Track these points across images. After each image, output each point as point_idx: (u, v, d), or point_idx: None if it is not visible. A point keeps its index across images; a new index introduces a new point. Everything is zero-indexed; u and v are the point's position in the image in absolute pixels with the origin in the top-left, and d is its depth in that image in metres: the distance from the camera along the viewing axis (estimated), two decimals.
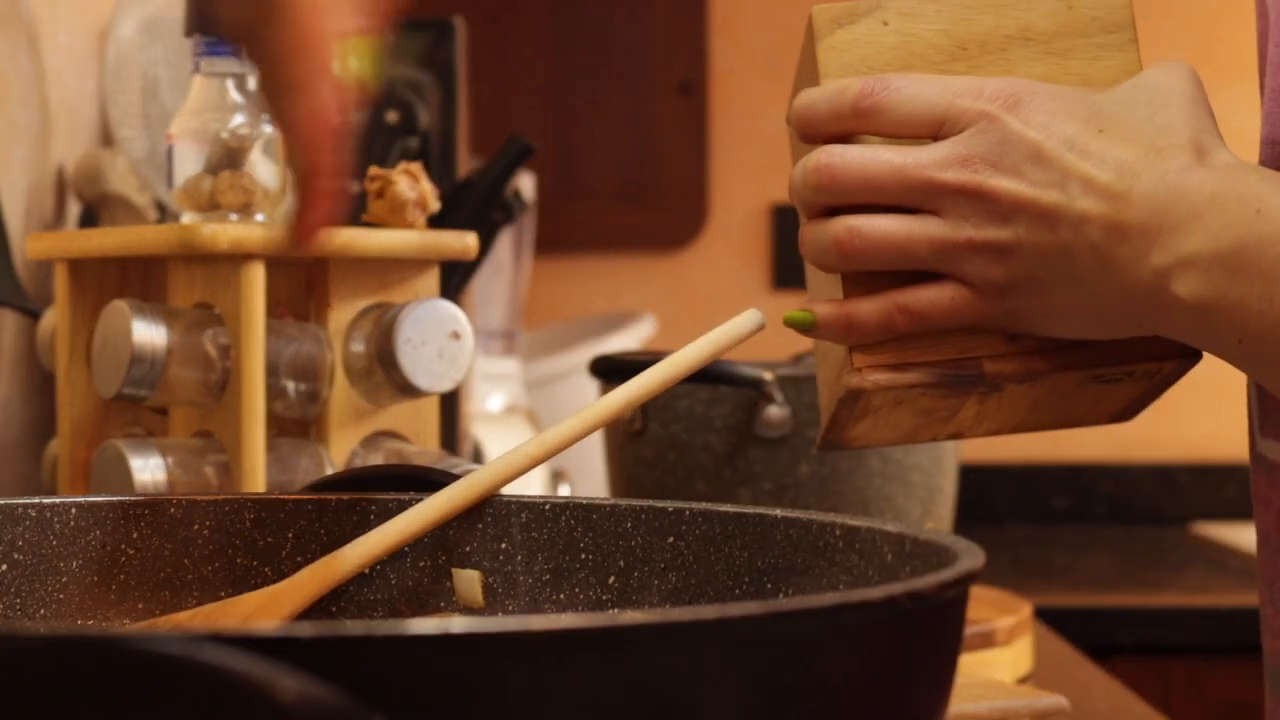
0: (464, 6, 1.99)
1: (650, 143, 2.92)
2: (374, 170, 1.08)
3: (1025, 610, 1.35)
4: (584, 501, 0.77)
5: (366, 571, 0.77)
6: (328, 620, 0.77)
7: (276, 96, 0.74)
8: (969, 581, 0.57)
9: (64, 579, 0.76)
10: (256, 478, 1.01)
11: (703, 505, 0.74)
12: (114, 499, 0.77)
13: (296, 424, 1.07)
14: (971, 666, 1.20)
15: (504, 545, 0.77)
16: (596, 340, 2.32)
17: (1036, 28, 0.81)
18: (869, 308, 0.79)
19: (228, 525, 0.78)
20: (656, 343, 2.37)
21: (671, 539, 0.75)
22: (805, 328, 0.80)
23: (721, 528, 0.73)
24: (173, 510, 0.77)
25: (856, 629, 0.51)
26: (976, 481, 2.63)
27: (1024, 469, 2.90)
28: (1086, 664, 1.49)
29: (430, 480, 0.80)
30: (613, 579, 0.76)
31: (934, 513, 1.33)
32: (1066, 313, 0.77)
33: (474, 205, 1.43)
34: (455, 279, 1.42)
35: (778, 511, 0.72)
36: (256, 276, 1.01)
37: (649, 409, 1.32)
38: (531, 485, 1.66)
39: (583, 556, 0.76)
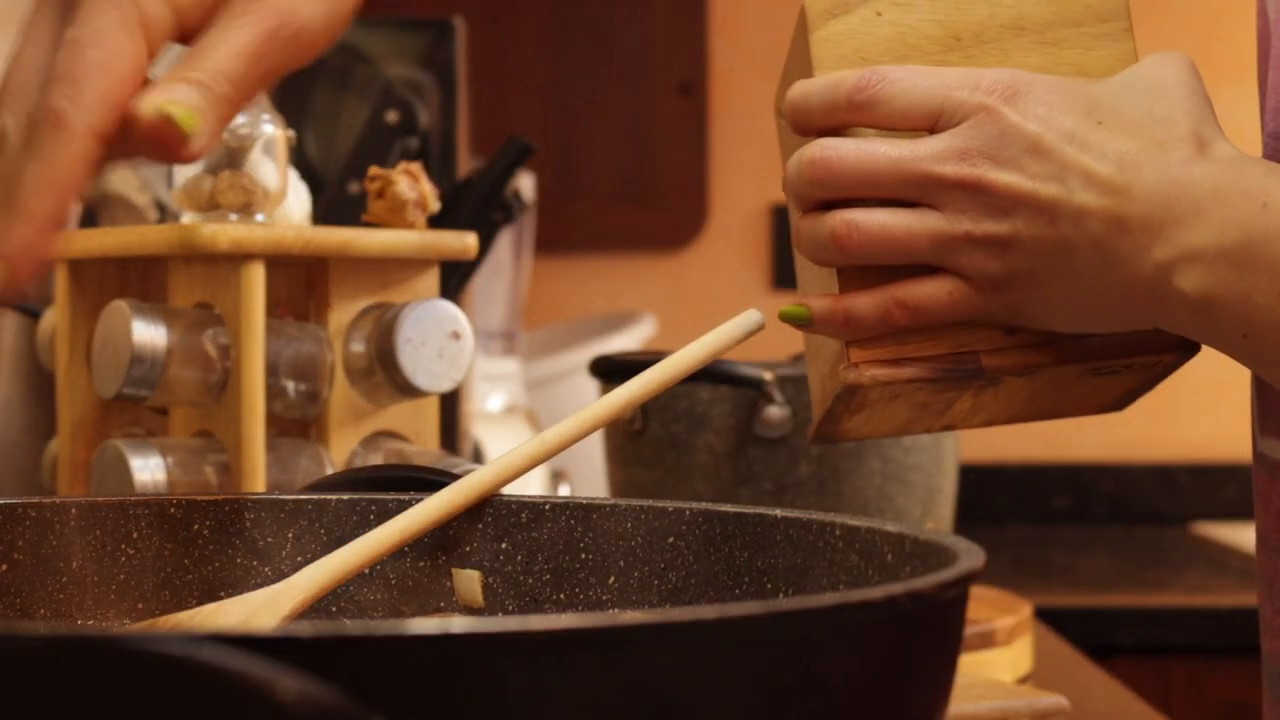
0: (464, 6, 1.99)
1: (650, 143, 2.92)
2: (374, 170, 1.08)
3: (1025, 610, 1.35)
4: (584, 501, 0.77)
5: (366, 571, 0.77)
6: (328, 620, 0.77)
7: (49, 83, 0.62)
8: (969, 581, 0.57)
9: (64, 579, 0.76)
10: (256, 478, 1.01)
11: (703, 505, 0.74)
12: (114, 499, 0.77)
13: (296, 424, 1.07)
14: (971, 666, 1.20)
15: (504, 545, 0.77)
16: (596, 340, 2.32)
17: (1030, 17, 0.80)
18: (866, 302, 0.78)
19: (228, 525, 0.78)
20: (656, 343, 2.37)
21: (671, 539, 0.75)
22: (801, 323, 0.80)
23: (721, 528, 0.73)
24: (173, 510, 0.77)
25: (856, 629, 0.51)
26: (976, 481, 2.63)
27: (1024, 469, 2.90)
28: (1086, 664, 1.49)
29: (430, 480, 0.80)
30: (613, 579, 0.76)
31: (934, 513, 1.33)
32: (1066, 306, 0.77)
33: (474, 205, 1.43)
34: (455, 279, 1.42)
35: (778, 511, 0.72)
36: (256, 276, 1.01)
37: (649, 409, 1.32)
38: (531, 485, 1.66)
39: (583, 556, 0.76)
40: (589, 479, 1.91)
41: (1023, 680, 1.32)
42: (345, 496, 0.79)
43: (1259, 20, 0.85)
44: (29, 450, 1.31)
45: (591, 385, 1.41)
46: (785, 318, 0.80)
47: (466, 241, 1.09)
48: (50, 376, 1.20)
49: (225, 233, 1.01)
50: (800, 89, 0.80)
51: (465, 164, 1.61)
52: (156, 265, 1.08)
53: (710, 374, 1.27)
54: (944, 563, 0.60)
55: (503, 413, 2.02)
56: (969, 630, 1.24)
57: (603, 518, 0.76)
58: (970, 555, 0.59)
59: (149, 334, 1.00)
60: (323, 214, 1.36)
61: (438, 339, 1.04)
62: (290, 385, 1.05)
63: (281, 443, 1.05)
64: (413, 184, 1.08)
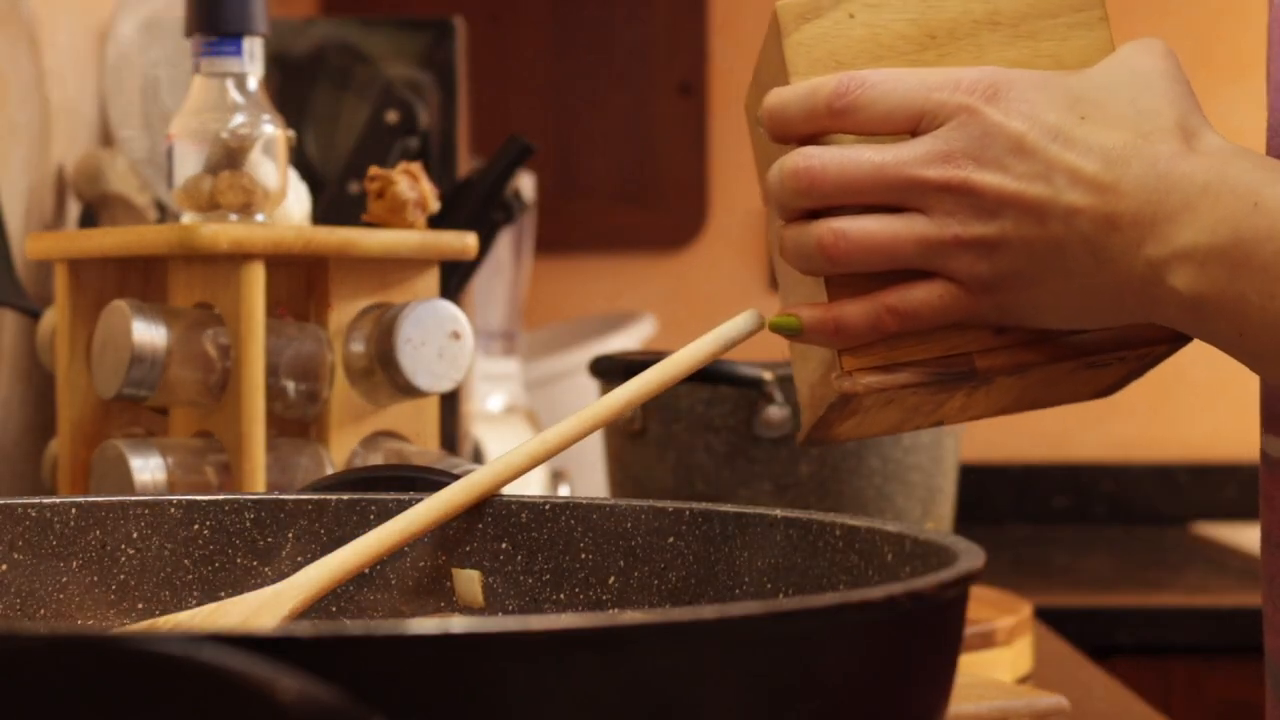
0: (464, 6, 1.99)
1: (650, 143, 2.92)
2: (374, 170, 1.08)
3: (1025, 610, 1.35)
4: (584, 501, 0.77)
5: (366, 571, 0.77)
6: (328, 620, 0.77)
7: None
8: (969, 581, 0.57)
9: (64, 579, 0.76)
10: (256, 478, 1.01)
11: (703, 505, 0.74)
12: (114, 499, 0.77)
13: (296, 424, 1.07)
14: (971, 666, 1.20)
15: (504, 545, 0.77)
16: (596, 340, 2.32)
17: (1004, 10, 0.79)
18: (856, 310, 0.78)
19: (228, 525, 0.78)
20: (656, 343, 2.37)
21: (671, 539, 0.75)
22: (792, 333, 0.79)
23: (721, 528, 0.73)
24: (173, 510, 0.77)
25: (856, 629, 0.51)
26: (976, 481, 2.63)
27: (1024, 469, 2.90)
28: (1086, 664, 1.49)
29: (430, 480, 0.80)
30: (613, 579, 0.76)
31: (934, 513, 1.33)
32: (1057, 305, 0.77)
33: (474, 205, 1.43)
34: (455, 279, 1.42)
35: (778, 511, 0.72)
36: (256, 276, 1.01)
37: (649, 409, 1.32)
38: (531, 485, 1.66)
39: (583, 556, 0.76)
40: (589, 479, 1.91)
41: (1023, 680, 1.32)
42: (345, 496, 0.79)
43: (1271, 12, 0.84)
44: (29, 450, 1.31)
45: (591, 385, 1.41)
46: (776, 328, 0.79)
47: (466, 241, 1.09)
48: (50, 376, 1.20)
49: (225, 233, 1.01)
50: (777, 97, 0.78)
51: (465, 164, 1.61)
52: (156, 265, 1.08)
53: (710, 374, 1.27)
54: (944, 563, 0.60)
55: (503, 413, 2.02)
56: (969, 630, 1.24)
57: (603, 518, 0.76)
58: (970, 555, 0.59)
59: (149, 334, 1.00)
60: (323, 214, 1.36)
61: (438, 339, 1.04)
62: (290, 385, 1.05)
63: (281, 443, 1.05)
64: (413, 184, 1.08)
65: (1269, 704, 0.88)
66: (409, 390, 1.04)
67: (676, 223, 2.93)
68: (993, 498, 2.88)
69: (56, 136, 1.40)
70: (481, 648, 0.45)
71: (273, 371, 1.04)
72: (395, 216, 1.07)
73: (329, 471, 1.05)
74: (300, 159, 1.48)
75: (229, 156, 1.05)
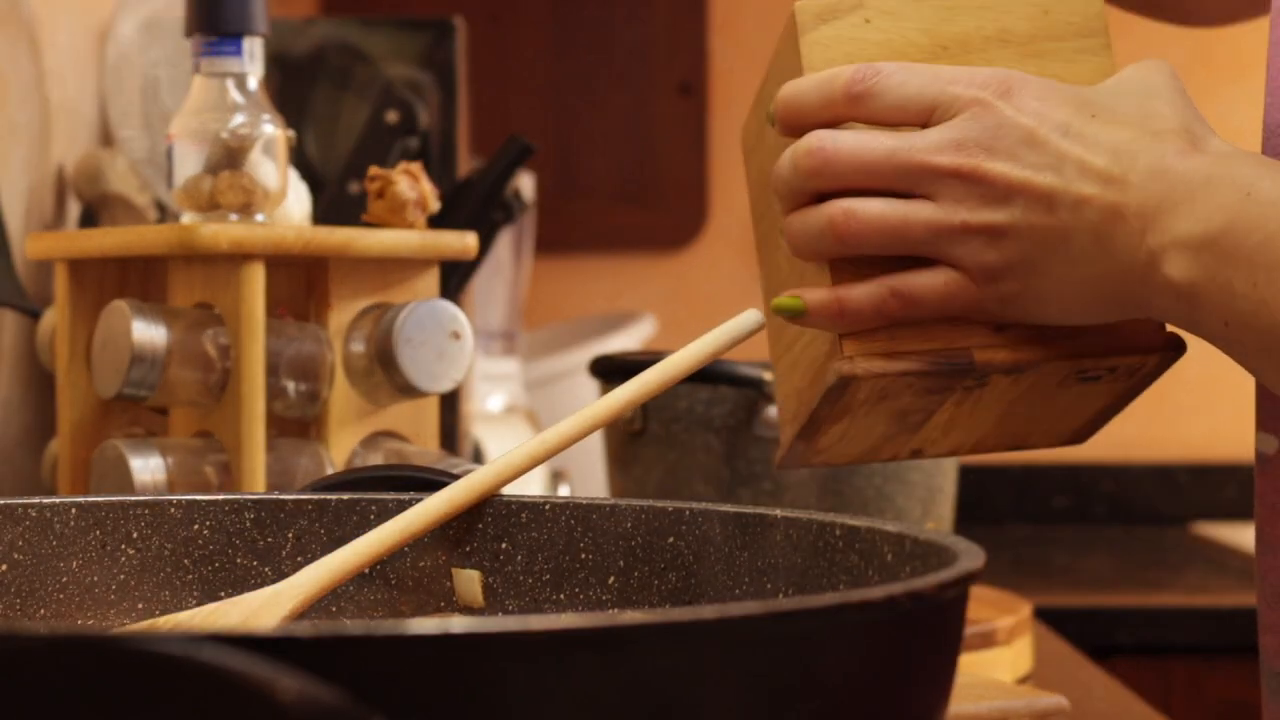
0: (464, 6, 1.99)
1: (650, 143, 2.92)
2: (374, 170, 1.08)
3: (1025, 610, 1.35)
4: (584, 501, 0.77)
5: (366, 571, 0.77)
6: (328, 620, 0.77)
7: None
8: (969, 581, 0.57)
9: (64, 579, 0.76)
10: (256, 478, 1.01)
11: (703, 505, 0.74)
12: (114, 499, 0.77)
13: (296, 424, 1.07)
14: (971, 666, 1.20)
15: (504, 545, 0.77)
16: (596, 340, 2.32)
17: (1014, 30, 0.82)
18: (861, 292, 0.79)
19: (228, 525, 0.78)
20: (656, 343, 2.37)
21: (671, 539, 0.75)
22: (795, 314, 0.80)
23: (721, 528, 0.73)
24: (173, 510, 0.77)
25: (856, 629, 0.51)
26: (976, 481, 2.63)
27: (1024, 469, 2.90)
28: (1086, 664, 1.49)
29: (430, 480, 0.80)
30: (613, 579, 0.76)
31: (934, 513, 1.33)
32: (1059, 295, 0.77)
33: (474, 205, 1.43)
34: (455, 279, 1.42)
35: (778, 511, 0.72)
36: (256, 276, 1.01)
37: (649, 409, 1.32)
38: (531, 485, 1.66)
39: (583, 556, 0.76)
40: (589, 479, 1.91)
41: (1023, 680, 1.32)
42: (345, 496, 0.79)
43: (1271, 13, 0.85)
44: (29, 450, 1.31)
45: (591, 385, 1.41)
46: (779, 310, 0.80)
47: (466, 241, 1.09)
48: (50, 376, 1.20)
49: (225, 233, 1.01)
50: (793, 86, 0.80)
51: (465, 164, 1.61)
52: (156, 265, 1.08)
53: (710, 374, 1.27)
54: (944, 563, 0.60)
55: (503, 413, 2.02)
56: (969, 630, 1.24)
57: (603, 518, 0.76)
58: (970, 555, 0.59)
59: (149, 334, 1.00)
60: (323, 214, 1.36)
61: (438, 339, 1.04)
62: (290, 385, 1.05)
63: (281, 443, 1.05)
64: (413, 184, 1.08)
65: (1265, 701, 0.88)
66: (409, 390, 1.04)
67: (676, 223, 2.93)
68: (993, 498, 2.88)
69: (56, 136, 1.40)
70: (481, 648, 0.45)
71: (273, 371, 1.04)
72: (395, 216, 1.07)
73: (329, 471, 1.05)
74: (300, 159, 1.48)
75: (229, 156, 1.05)
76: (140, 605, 0.77)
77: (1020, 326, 0.80)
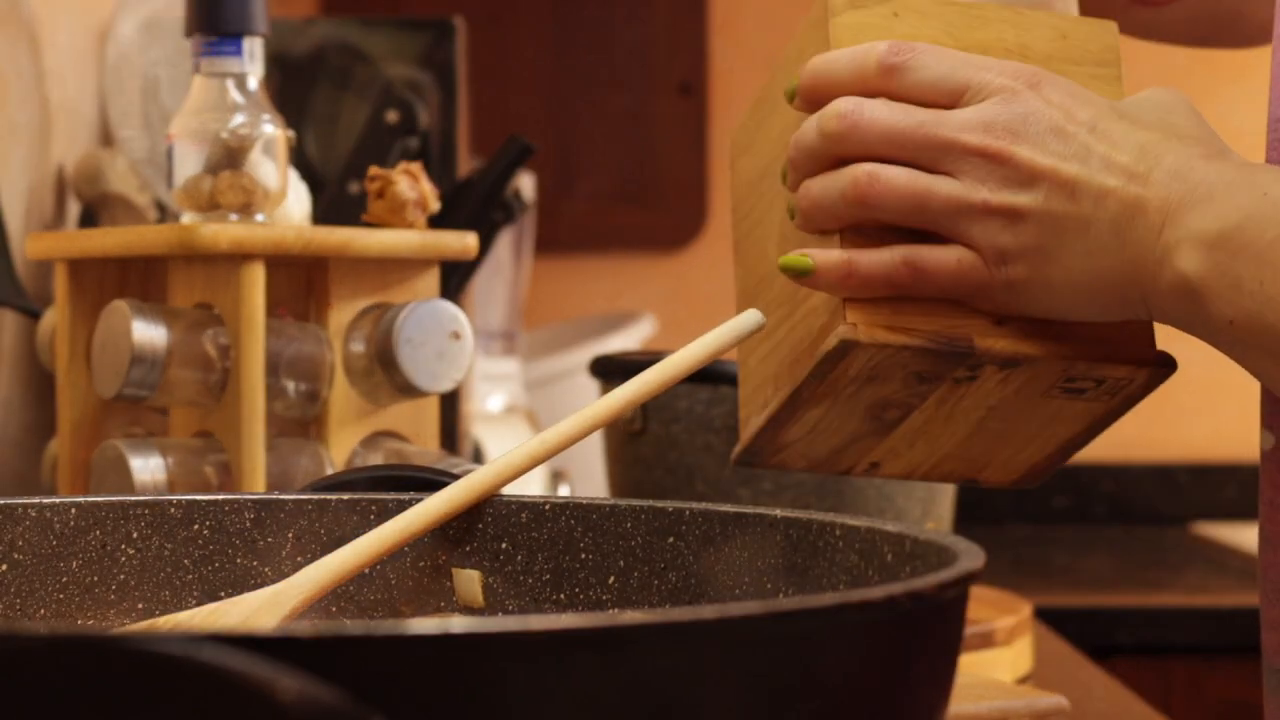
0: (464, 6, 1.99)
1: (650, 143, 2.92)
2: (374, 170, 1.08)
3: (1025, 610, 1.35)
4: (584, 501, 0.77)
5: (366, 571, 0.77)
6: (328, 620, 0.77)
7: None
8: (969, 581, 0.57)
9: (64, 579, 0.76)
10: (256, 478, 1.01)
11: (703, 505, 0.74)
12: (114, 499, 0.77)
13: (296, 424, 1.07)
14: (971, 666, 1.20)
15: (504, 545, 0.77)
16: (596, 340, 2.32)
17: (1034, 47, 0.84)
18: (873, 258, 0.79)
19: (228, 525, 0.78)
20: (656, 343, 2.37)
21: (671, 539, 0.75)
22: (801, 273, 0.80)
23: (721, 528, 0.73)
24: (173, 510, 0.77)
25: (856, 629, 0.51)
26: None
27: None
28: (1086, 664, 1.49)
29: (430, 480, 0.80)
30: (613, 579, 0.76)
31: (934, 513, 1.33)
32: (1067, 286, 0.78)
33: (474, 205, 1.43)
34: (455, 279, 1.42)
35: (778, 511, 0.72)
36: (256, 276, 1.01)
37: (649, 409, 1.32)
38: (531, 485, 1.66)
39: (583, 556, 0.76)
40: (589, 479, 1.91)
41: (1023, 680, 1.32)
42: (345, 496, 0.79)
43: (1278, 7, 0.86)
44: (29, 450, 1.31)
45: (591, 385, 1.41)
46: (786, 268, 0.80)
47: (466, 241, 1.09)
48: (50, 376, 1.20)
49: (225, 233, 1.01)
50: (824, 59, 0.81)
51: (465, 164, 1.61)
52: (156, 265, 1.08)
53: (710, 374, 1.27)
54: (944, 563, 0.60)
55: (503, 413, 2.02)
56: (969, 630, 1.24)
57: (603, 518, 0.76)
58: (970, 555, 0.59)
59: (149, 334, 1.00)
60: (323, 214, 1.36)
61: (438, 339, 1.04)
62: (290, 385, 1.05)
63: (281, 443, 1.05)
64: (413, 184, 1.08)
65: (1266, 700, 0.88)
66: (409, 390, 1.04)
67: (676, 223, 2.93)
68: (993, 498, 2.88)
69: (56, 136, 1.40)
70: (481, 648, 0.45)
71: (273, 371, 1.04)
72: (395, 216, 1.07)
73: (329, 471, 1.05)
74: (300, 159, 1.48)
75: (229, 156, 1.05)
76: (140, 605, 0.77)
77: (1020, 322, 0.80)
